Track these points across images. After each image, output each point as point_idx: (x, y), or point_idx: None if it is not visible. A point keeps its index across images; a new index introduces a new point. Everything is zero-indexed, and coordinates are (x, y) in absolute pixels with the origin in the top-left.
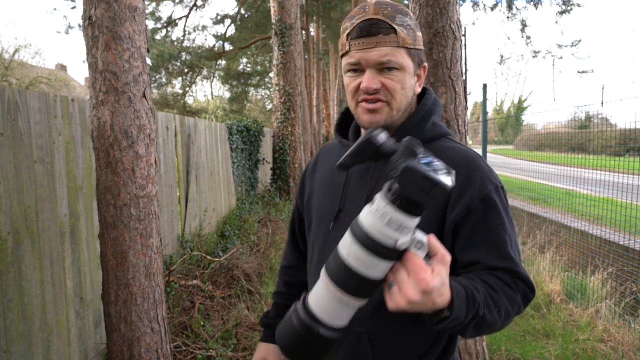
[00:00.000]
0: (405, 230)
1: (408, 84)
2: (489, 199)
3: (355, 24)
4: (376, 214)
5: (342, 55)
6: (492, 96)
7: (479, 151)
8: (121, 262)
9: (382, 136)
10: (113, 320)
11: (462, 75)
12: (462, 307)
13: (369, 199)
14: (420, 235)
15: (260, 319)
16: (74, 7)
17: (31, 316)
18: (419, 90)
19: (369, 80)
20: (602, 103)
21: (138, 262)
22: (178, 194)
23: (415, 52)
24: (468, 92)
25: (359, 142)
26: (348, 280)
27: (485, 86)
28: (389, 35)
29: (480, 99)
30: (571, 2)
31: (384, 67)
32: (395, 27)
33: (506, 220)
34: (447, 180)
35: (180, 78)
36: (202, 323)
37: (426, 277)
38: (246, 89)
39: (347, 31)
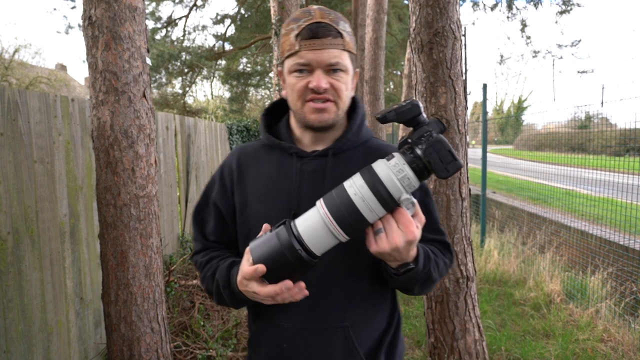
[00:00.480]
0: (409, 189)
1: (350, 86)
2: (423, 186)
3: (303, 26)
4: (394, 168)
5: (288, 56)
6: (492, 96)
7: (479, 151)
8: (121, 262)
9: (422, 106)
10: (113, 320)
11: (462, 75)
12: (422, 262)
13: None
14: (414, 199)
15: (227, 275)
16: (74, 7)
17: (31, 316)
18: (352, 93)
19: (319, 80)
20: (602, 103)
21: (138, 262)
22: (178, 194)
23: (354, 56)
24: (468, 92)
25: (405, 103)
26: (346, 215)
27: (485, 86)
28: (337, 39)
29: (480, 99)
30: (571, 2)
31: (331, 69)
32: (341, 31)
33: (433, 201)
34: (460, 160)
35: (180, 78)
36: (202, 323)
37: (414, 230)
38: (246, 89)
39: (295, 32)
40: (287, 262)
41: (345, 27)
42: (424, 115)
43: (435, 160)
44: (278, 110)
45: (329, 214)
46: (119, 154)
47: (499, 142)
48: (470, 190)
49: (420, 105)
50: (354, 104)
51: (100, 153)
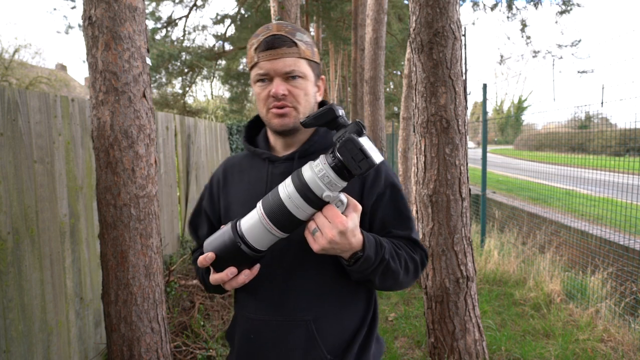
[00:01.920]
0: (333, 188)
1: (311, 91)
2: (394, 185)
3: (261, 40)
4: (315, 168)
5: (251, 68)
6: (492, 96)
7: (479, 151)
8: (121, 262)
9: (341, 111)
10: (113, 320)
11: (462, 75)
12: (371, 249)
13: None
14: (343, 197)
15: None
16: (74, 7)
17: (31, 316)
18: (320, 99)
19: (277, 87)
20: (602, 103)
21: (138, 262)
22: (178, 194)
23: (314, 64)
24: (468, 92)
25: (323, 108)
26: (278, 214)
27: (485, 86)
28: (292, 48)
29: (480, 99)
30: (571, 2)
31: (289, 76)
32: (296, 41)
33: (405, 201)
34: (377, 158)
35: (180, 78)
36: (202, 323)
37: (343, 220)
38: (246, 89)
39: (255, 46)
40: (230, 254)
41: (302, 37)
42: (344, 118)
43: (348, 158)
44: (260, 123)
45: (264, 214)
46: (119, 154)
47: (499, 142)
48: (470, 190)
49: (338, 109)
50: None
51: (100, 153)
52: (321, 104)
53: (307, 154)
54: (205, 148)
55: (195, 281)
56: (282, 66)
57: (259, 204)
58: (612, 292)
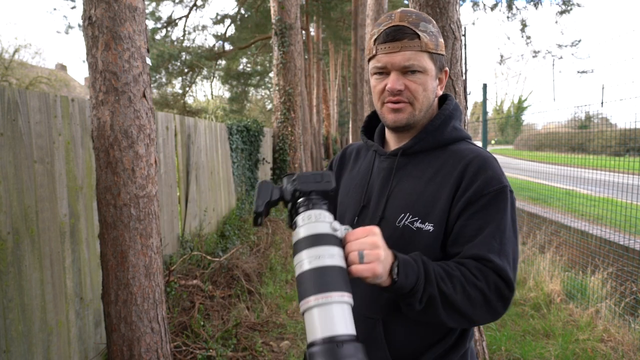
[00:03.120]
0: (336, 225)
1: (430, 87)
2: (491, 196)
3: (382, 30)
4: (306, 221)
5: (369, 59)
6: (492, 96)
7: None
8: (121, 262)
9: (275, 191)
10: (113, 320)
11: (462, 75)
12: (405, 275)
13: (389, 196)
14: (338, 227)
15: None
16: (74, 7)
17: (31, 316)
18: (440, 93)
19: (393, 82)
20: (602, 103)
21: (138, 262)
22: (178, 194)
23: (437, 56)
24: (468, 92)
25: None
26: (317, 281)
27: (485, 86)
28: (413, 41)
29: (480, 99)
30: (571, 2)
31: (407, 70)
32: (419, 32)
33: (503, 220)
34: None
35: (180, 78)
36: (202, 323)
37: (348, 248)
38: (246, 89)
39: (375, 37)
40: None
41: (426, 27)
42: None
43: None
44: None
45: (313, 295)
46: (119, 154)
47: (498, 142)
48: None
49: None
50: (444, 102)
51: (100, 153)
52: (442, 98)
53: (413, 152)
54: (205, 148)
55: (195, 281)
56: (401, 60)
57: (302, 303)
58: (612, 292)
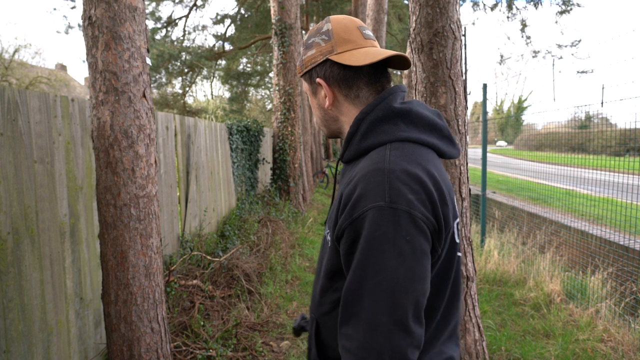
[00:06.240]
0: None
1: (315, 104)
2: (361, 222)
3: None
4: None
5: None
6: (492, 96)
7: (478, 151)
8: (121, 262)
9: None
10: (113, 320)
11: (462, 75)
12: None
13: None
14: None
15: None
16: (74, 7)
17: (31, 316)
18: (327, 102)
19: None
20: (602, 103)
21: (138, 262)
22: (178, 194)
23: (305, 75)
24: (468, 92)
25: None
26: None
27: (485, 86)
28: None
29: (480, 99)
30: (571, 2)
31: None
32: (298, 62)
33: (380, 255)
34: None
35: (180, 78)
36: (202, 323)
37: None
38: (246, 89)
39: None
40: None
41: (300, 51)
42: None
43: None
44: None
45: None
46: (119, 154)
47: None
48: (470, 190)
49: None
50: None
51: (100, 153)
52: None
53: (345, 161)
54: (205, 148)
55: (195, 281)
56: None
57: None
58: (612, 292)
